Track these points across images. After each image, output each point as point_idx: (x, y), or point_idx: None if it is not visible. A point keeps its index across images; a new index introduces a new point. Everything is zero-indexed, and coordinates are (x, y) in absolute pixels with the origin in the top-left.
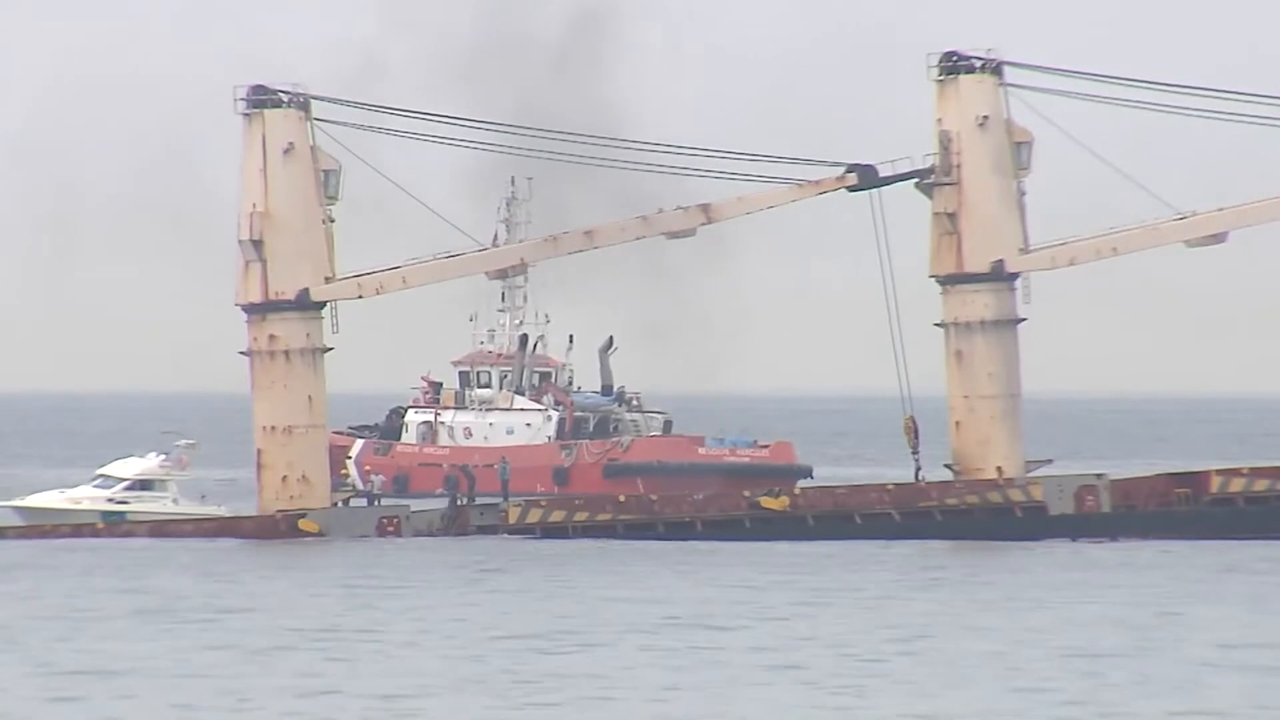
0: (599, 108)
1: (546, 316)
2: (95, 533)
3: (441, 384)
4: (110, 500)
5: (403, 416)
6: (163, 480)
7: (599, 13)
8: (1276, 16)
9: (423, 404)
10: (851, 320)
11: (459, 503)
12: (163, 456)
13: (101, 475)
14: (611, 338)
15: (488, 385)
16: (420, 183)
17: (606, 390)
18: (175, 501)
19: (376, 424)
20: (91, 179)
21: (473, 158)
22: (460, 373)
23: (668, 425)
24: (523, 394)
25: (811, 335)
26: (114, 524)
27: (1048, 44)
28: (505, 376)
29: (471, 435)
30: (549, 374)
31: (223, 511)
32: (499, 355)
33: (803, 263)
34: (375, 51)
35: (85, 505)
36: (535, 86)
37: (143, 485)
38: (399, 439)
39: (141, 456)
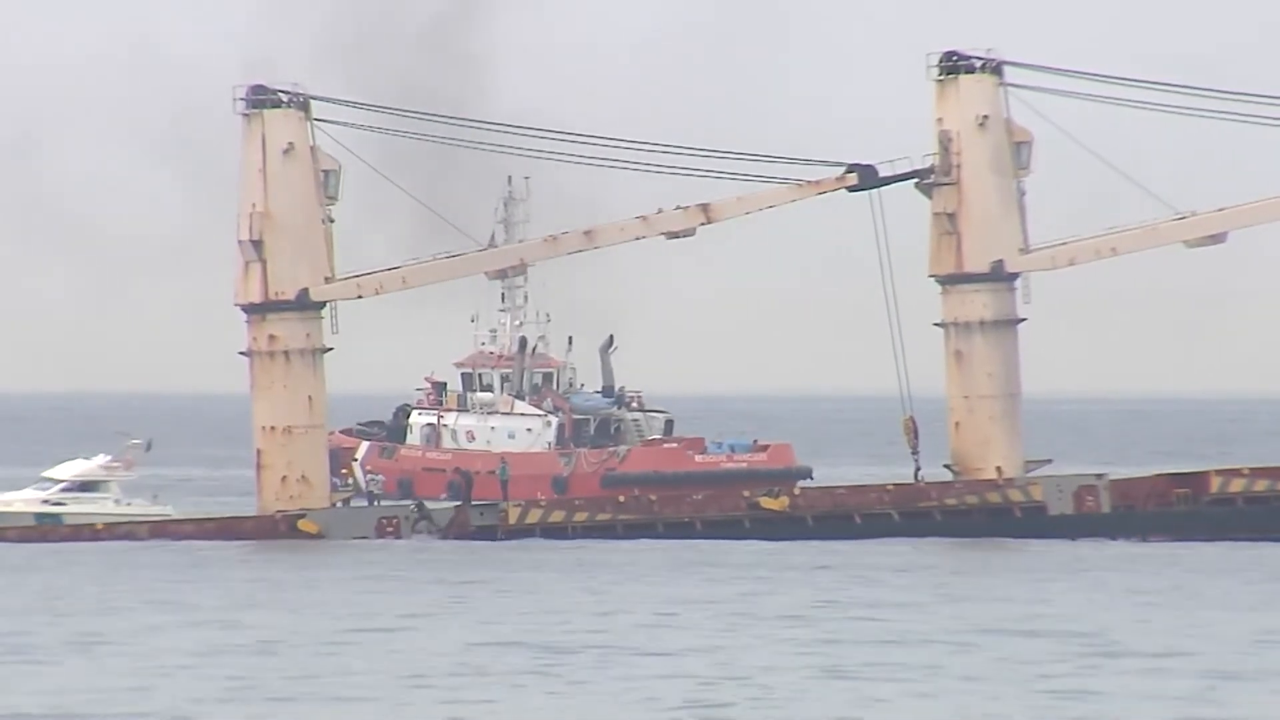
0: (475, 85)
1: (548, 316)
2: (95, 535)
3: (445, 384)
4: (46, 502)
5: (409, 416)
6: (103, 481)
7: None
8: (1277, 17)
9: (426, 405)
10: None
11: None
12: (108, 457)
13: (44, 477)
14: (612, 336)
15: (489, 388)
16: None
17: (608, 390)
18: (117, 502)
19: (383, 421)
20: None
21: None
22: (463, 374)
23: (669, 425)
24: (523, 398)
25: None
26: (113, 525)
27: (1048, 44)
28: (506, 379)
29: (474, 439)
30: (550, 375)
31: (170, 511)
32: (500, 357)
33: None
34: (256, 35)
35: (18, 508)
36: (409, 66)
37: (82, 486)
38: (405, 438)
39: (88, 458)
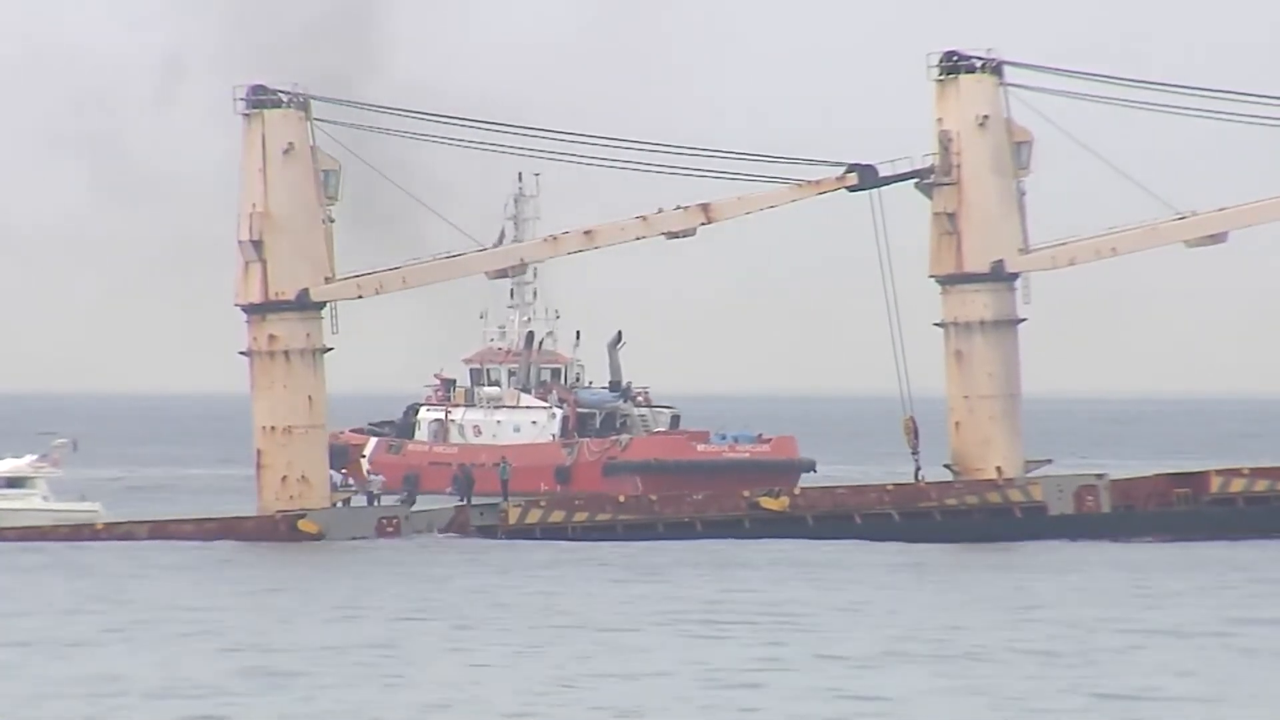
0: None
1: (556, 312)
2: (95, 534)
3: (454, 381)
4: None
5: (418, 414)
6: (31, 478)
7: None
8: (1277, 17)
9: (435, 402)
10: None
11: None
12: (35, 456)
13: None
14: (620, 332)
15: (497, 383)
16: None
17: (615, 386)
18: (45, 499)
19: (393, 421)
20: None
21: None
22: (471, 370)
23: (675, 420)
24: (529, 391)
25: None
26: (113, 525)
27: (1048, 44)
28: (513, 374)
29: (480, 434)
30: (558, 370)
31: (99, 509)
32: (507, 353)
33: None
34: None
35: None
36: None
37: (9, 483)
38: (413, 437)
39: (17, 456)
